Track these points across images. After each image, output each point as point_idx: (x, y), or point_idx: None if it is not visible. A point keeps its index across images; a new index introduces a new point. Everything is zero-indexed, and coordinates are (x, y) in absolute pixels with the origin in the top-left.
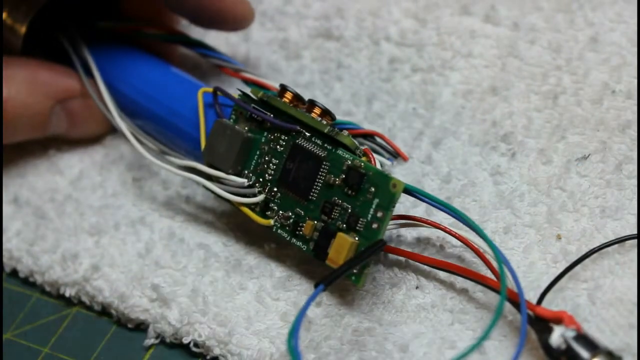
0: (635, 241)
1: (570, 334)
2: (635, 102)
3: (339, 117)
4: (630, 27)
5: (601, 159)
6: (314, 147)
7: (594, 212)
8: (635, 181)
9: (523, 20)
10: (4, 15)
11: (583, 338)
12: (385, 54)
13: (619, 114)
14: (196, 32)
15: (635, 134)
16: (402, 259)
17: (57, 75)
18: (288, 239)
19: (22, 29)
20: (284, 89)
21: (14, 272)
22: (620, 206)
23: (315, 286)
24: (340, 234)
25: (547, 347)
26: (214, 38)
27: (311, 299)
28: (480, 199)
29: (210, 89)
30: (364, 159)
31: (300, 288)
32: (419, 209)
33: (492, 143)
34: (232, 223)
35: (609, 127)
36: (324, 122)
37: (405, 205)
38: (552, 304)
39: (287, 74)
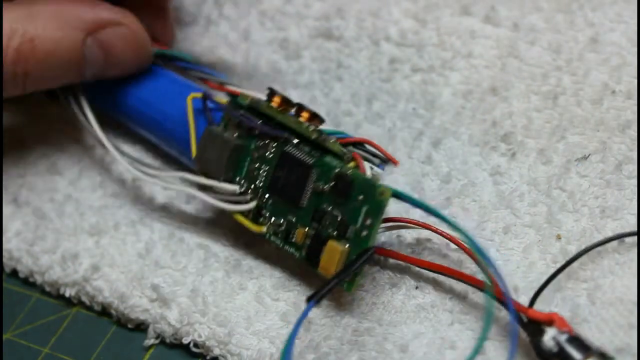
0: (634, 240)
1: (562, 336)
2: (635, 102)
3: (339, 117)
4: (630, 28)
5: (601, 159)
6: (301, 154)
7: (594, 212)
8: (635, 181)
9: (523, 20)
10: None
11: (575, 339)
12: (385, 54)
13: (619, 114)
14: (193, 32)
15: (635, 134)
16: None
17: (84, 6)
18: (281, 245)
19: None
20: (272, 92)
21: (14, 272)
22: (620, 206)
23: (307, 301)
24: (330, 242)
25: (539, 350)
26: (213, 37)
27: (303, 317)
28: (480, 199)
29: (200, 94)
30: (352, 164)
31: (300, 288)
32: (418, 209)
33: (492, 143)
34: (232, 223)
35: (609, 127)
36: (312, 129)
37: (404, 205)
38: (552, 305)
39: (287, 73)
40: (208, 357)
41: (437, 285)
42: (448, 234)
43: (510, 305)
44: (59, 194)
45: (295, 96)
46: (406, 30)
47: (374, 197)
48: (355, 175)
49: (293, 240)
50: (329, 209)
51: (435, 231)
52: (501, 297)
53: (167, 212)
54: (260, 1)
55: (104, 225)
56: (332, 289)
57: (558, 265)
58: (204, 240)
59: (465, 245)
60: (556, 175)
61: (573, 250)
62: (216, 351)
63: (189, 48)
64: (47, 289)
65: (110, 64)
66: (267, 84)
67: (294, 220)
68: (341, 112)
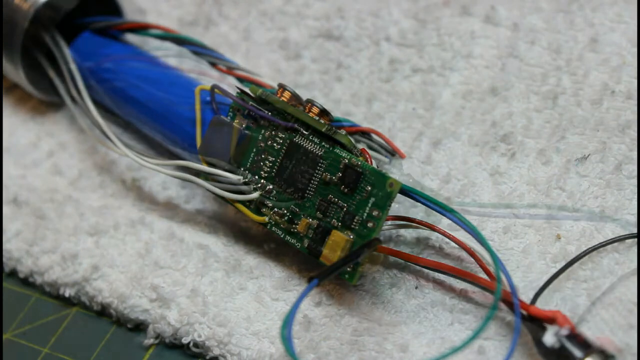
0: (634, 240)
1: (564, 332)
2: (635, 102)
3: (338, 117)
4: (630, 28)
5: (601, 159)
6: (311, 145)
7: (594, 212)
8: (634, 181)
9: (523, 20)
10: None
11: (576, 337)
12: (385, 54)
13: (619, 114)
14: (194, 32)
15: (635, 134)
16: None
17: None
18: (282, 236)
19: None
20: (282, 88)
21: (14, 273)
22: (619, 206)
23: (309, 281)
24: (335, 232)
25: (540, 346)
26: (213, 37)
27: (305, 293)
28: (480, 199)
29: (208, 87)
30: (360, 158)
31: (299, 289)
32: (420, 208)
33: (491, 143)
34: (232, 223)
35: (609, 127)
36: (322, 122)
37: (404, 205)
38: (551, 304)
39: (287, 73)
40: (208, 357)
41: (436, 285)
42: (451, 235)
43: (516, 300)
44: (59, 194)
45: None
46: (406, 30)
47: (383, 188)
48: (365, 166)
49: (295, 231)
50: (335, 200)
51: (439, 231)
52: (508, 298)
53: (167, 212)
54: (261, 1)
55: (103, 226)
56: (336, 270)
57: (558, 266)
58: (204, 240)
59: (467, 245)
60: (556, 175)
61: (573, 250)
62: (216, 351)
63: None
64: (47, 289)
65: None
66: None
67: (297, 210)
68: (341, 112)
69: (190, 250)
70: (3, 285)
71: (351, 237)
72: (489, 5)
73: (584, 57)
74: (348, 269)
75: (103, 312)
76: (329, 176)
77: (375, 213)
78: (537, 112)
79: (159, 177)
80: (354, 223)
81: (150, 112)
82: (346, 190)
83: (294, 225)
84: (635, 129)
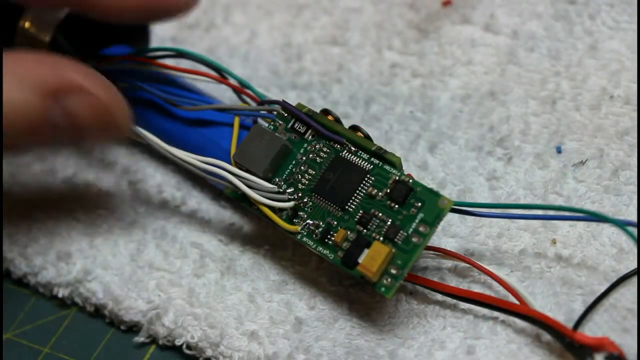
0: (632, 247)
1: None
2: (633, 107)
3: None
4: (629, 35)
5: (598, 164)
6: (358, 160)
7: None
8: (632, 187)
9: (522, 28)
10: (27, 24)
11: None
12: (386, 60)
13: (617, 120)
14: (193, 35)
15: (633, 140)
16: None
17: (46, 66)
18: (314, 247)
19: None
20: (326, 112)
21: (7, 273)
22: (617, 212)
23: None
24: (376, 242)
25: None
26: (213, 38)
27: None
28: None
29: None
30: (409, 175)
31: (294, 292)
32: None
33: (488, 148)
34: (227, 226)
35: (607, 133)
36: (371, 142)
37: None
38: (546, 308)
39: (286, 75)
40: (201, 359)
41: (430, 291)
42: (490, 271)
43: None
44: (54, 194)
45: (293, 97)
46: (408, 40)
47: (434, 205)
48: (417, 184)
49: (330, 242)
50: (378, 214)
51: (476, 266)
52: (547, 321)
53: (161, 213)
54: (270, 16)
55: (98, 227)
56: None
57: (553, 270)
58: (199, 241)
59: (505, 281)
60: (553, 180)
61: (568, 255)
62: (208, 352)
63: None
64: (41, 290)
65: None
66: (266, 84)
67: (335, 223)
68: (338, 114)
69: (184, 252)
70: (3, 285)
71: (393, 249)
72: (488, 14)
73: (583, 62)
74: (385, 282)
75: (97, 313)
76: (375, 191)
77: (422, 229)
78: (535, 116)
79: (155, 179)
80: (397, 237)
81: (152, 114)
82: (393, 205)
83: (328, 237)
84: (634, 135)
